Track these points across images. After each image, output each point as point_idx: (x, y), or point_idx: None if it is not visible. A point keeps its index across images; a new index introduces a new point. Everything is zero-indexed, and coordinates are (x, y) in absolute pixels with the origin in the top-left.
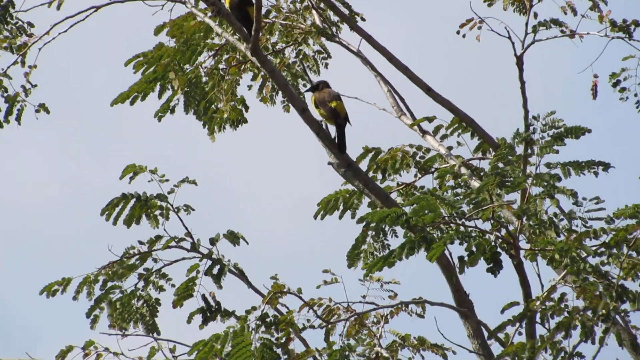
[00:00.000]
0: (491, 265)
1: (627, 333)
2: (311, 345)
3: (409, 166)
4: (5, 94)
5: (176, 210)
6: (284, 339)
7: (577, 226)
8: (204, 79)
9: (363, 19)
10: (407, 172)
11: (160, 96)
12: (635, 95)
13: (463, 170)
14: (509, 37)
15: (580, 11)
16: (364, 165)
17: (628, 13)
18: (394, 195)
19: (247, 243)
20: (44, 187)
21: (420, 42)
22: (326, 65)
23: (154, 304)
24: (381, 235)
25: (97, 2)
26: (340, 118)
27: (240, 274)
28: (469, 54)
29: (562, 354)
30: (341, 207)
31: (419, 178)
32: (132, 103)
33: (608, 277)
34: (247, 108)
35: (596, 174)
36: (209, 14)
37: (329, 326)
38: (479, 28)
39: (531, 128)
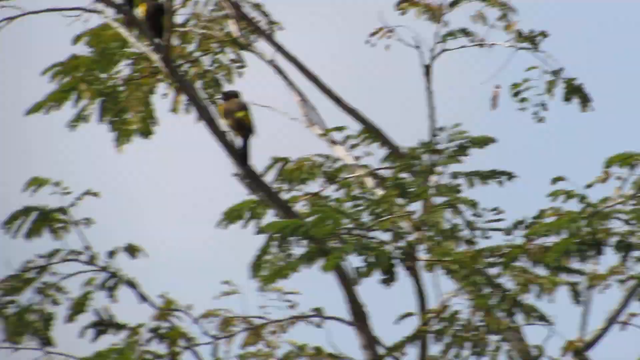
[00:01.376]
0: (385, 276)
1: (520, 346)
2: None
3: (316, 175)
4: None
5: (75, 223)
6: (172, 353)
7: (477, 236)
8: (121, 88)
9: (281, 28)
10: (314, 182)
11: (76, 105)
12: (536, 104)
13: (369, 180)
14: (418, 47)
15: (491, 21)
16: (274, 175)
17: (538, 24)
18: (301, 205)
19: (148, 255)
20: None
21: (333, 52)
22: (240, 74)
23: (48, 317)
24: (285, 245)
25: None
26: (245, 129)
27: (134, 288)
28: (381, 63)
29: None
30: (246, 217)
31: (326, 188)
32: (48, 112)
33: (502, 288)
34: (155, 119)
35: (500, 183)
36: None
37: (223, 339)
38: (389, 37)
39: (437, 138)
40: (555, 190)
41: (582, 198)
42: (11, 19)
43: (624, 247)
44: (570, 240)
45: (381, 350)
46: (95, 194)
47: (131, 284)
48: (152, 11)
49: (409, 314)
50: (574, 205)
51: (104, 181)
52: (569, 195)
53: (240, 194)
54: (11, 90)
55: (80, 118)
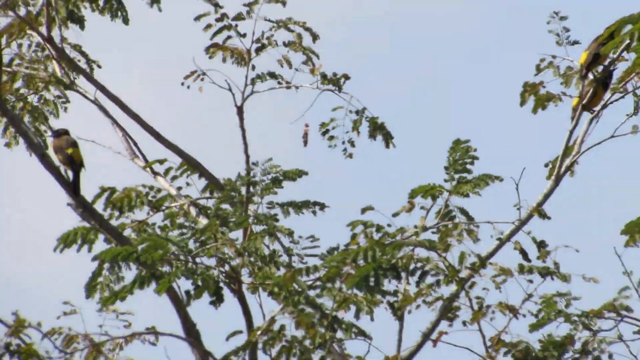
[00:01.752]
0: (213, 298)
1: None
2: None
3: (143, 204)
4: None
5: None
6: None
7: (294, 262)
8: None
9: (99, 66)
10: (140, 210)
11: None
12: (343, 142)
13: (193, 209)
14: (230, 89)
15: (296, 65)
16: (102, 203)
17: (340, 67)
18: (128, 231)
19: None
20: None
21: (154, 91)
22: (66, 109)
23: None
24: (116, 269)
25: None
26: (75, 164)
27: None
28: (199, 102)
29: None
30: (79, 242)
31: (151, 216)
32: None
33: (322, 308)
34: None
35: (315, 213)
36: None
37: (67, 356)
38: (202, 80)
39: (252, 172)
40: (354, 221)
41: (379, 228)
42: None
43: (420, 273)
44: (371, 266)
45: None
46: None
47: None
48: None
49: (238, 332)
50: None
51: None
52: (367, 225)
53: (75, 220)
54: None
55: None
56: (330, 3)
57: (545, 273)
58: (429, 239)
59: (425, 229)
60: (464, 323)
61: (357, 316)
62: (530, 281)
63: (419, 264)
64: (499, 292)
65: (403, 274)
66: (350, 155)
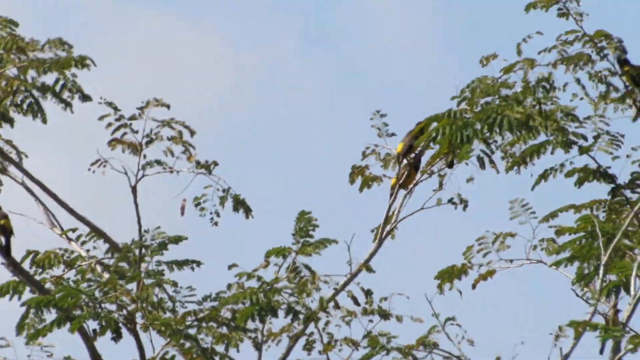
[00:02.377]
0: (114, 335)
1: None
2: None
3: (59, 263)
4: None
5: None
6: None
7: (177, 307)
8: None
9: (26, 156)
10: (57, 268)
11: None
12: (211, 213)
13: (98, 267)
14: (126, 173)
15: (177, 154)
16: (28, 263)
17: (216, 152)
18: (49, 284)
19: None
20: None
21: (69, 175)
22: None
23: None
24: (39, 313)
25: None
26: (6, 232)
27: None
28: (104, 183)
29: None
30: (11, 292)
31: (66, 272)
32: None
33: (199, 342)
34: None
35: (193, 268)
36: None
37: None
38: (105, 166)
39: (144, 238)
40: (240, 273)
41: (249, 275)
42: None
43: (292, 312)
44: (252, 308)
45: None
46: None
47: None
48: None
49: None
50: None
51: None
52: (241, 275)
53: (7, 276)
54: None
55: None
56: (208, 98)
57: (383, 315)
58: (296, 286)
59: (290, 279)
60: (320, 352)
61: (226, 349)
62: (371, 321)
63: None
64: (347, 328)
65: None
66: (216, 223)
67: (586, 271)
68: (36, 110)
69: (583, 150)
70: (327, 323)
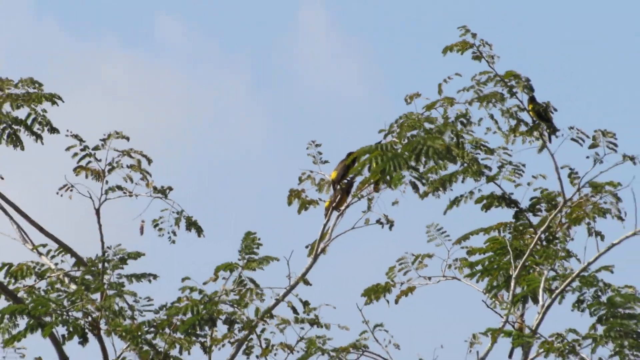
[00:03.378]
0: (81, 339)
1: None
2: None
3: (31, 274)
4: None
5: None
6: None
7: (136, 315)
8: None
9: (2, 178)
10: (30, 279)
11: None
12: (168, 233)
13: (66, 279)
14: (90, 197)
15: (136, 180)
16: (3, 274)
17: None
18: (21, 294)
19: None
20: None
21: (40, 197)
22: None
23: None
24: (13, 319)
25: None
26: None
27: None
28: (72, 205)
29: None
30: None
31: (37, 282)
32: None
33: (155, 347)
34: None
35: (150, 281)
36: None
37: None
38: (71, 190)
39: (106, 253)
40: (184, 287)
41: (200, 291)
42: None
43: (229, 322)
44: (195, 317)
45: None
46: None
47: None
48: None
49: None
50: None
51: None
52: (185, 289)
53: None
54: None
55: None
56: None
57: (313, 323)
58: (234, 299)
59: (227, 292)
60: (257, 357)
61: (180, 352)
62: (303, 328)
63: (227, 316)
64: (282, 335)
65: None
66: (174, 242)
67: (495, 283)
68: (15, 140)
69: (489, 179)
70: (263, 330)
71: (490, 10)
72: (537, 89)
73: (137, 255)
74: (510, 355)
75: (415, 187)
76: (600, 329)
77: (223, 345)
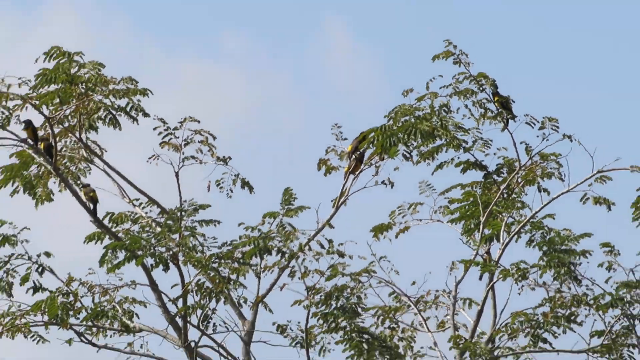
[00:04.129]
0: (164, 267)
1: None
2: None
3: (128, 220)
4: None
5: None
6: None
7: (205, 250)
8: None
9: (106, 151)
10: (126, 223)
11: (12, 185)
12: (227, 190)
13: (153, 223)
14: (172, 164)
15: (204, 151)
16: (107, 220)
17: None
18: (121, 234)
19: None
20: None
21: (136, 164)
22: (89, 173)
23: None
24: (115, 252)
25: None
26: (94, 201)
27: None
28: (158, 170)
29: None
30: (96, 239)
31: (132, 226)
32: None
33: (220, 273)
34: (52, 195)
35: (215, 225)
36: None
37: None
38: (158, 158)
39: (183, 205)
40: (246, 226)
41: (252, 229)
42: None
43: (280, 252)
44: (254, 249)
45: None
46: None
47: None
48: (46, 146)
49: (176, 284)
50: None
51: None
52: (247, 228)
53: (93, 229)
54: None
55: (15, 191)
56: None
57: (340, 254)
58: (283, 236)
59: (278, 230)
60: (299, 279)
61: (237, 277)
62: (332, 258)
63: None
64: (317, 263)
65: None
66: (230, 197)
67: (469, 226)
68: (115, 122)
69: (466, 150)
70: (303, 260)
71: (473, 20)
72: (501, 85)
73: (205, 206)
74: (480, 279)
75: (405, 158)
76: (544, 261)
77: (272, 272)
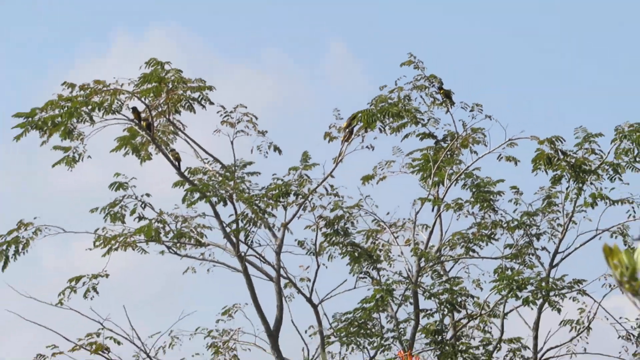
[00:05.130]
0: (224, 204)
1: None
2: None
3: (199, 172)
4: None
5: None
6: None
7: (250, 192)
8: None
9: (186, 126)
10: (198, 174)
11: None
12: (265, 151)
13: (217, 174)
14: (228, 135)
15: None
16: (187, 173)
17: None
18: (196, 182)
19: None
20: None
21: (206, 135)
22: (175, 141)
23: None
24: (192, 195)
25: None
26: (179, 160)
27: None
28: (219, 139)
29: None
30: (179, 186)
31: (203, 176)
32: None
33: (260, 207)
34: (151, 156)
35: (257, 176)
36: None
37: None
38: (219, 132)
39: (236, 162)
40: (275, 177)
41: (278, 179)
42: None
43: (295, 194)
44: (279, 192)
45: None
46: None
47: None
48: (147, 124)
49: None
50: None
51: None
52: (279, 179)
53: (178, 179)
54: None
55: (126, 154)
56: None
57: (336, 195)
58: (299, 182)
59: (290, 181)
60: (309, 211)
61: (271, 209)
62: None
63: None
64: (321, 201)
65: None
66: (266, 156)
67: (424, 176)
68: (191, 108)
69: (423, 125)
70: (311, 199)
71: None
72: (447, 79)
73: (249, 163)
74: (432, 210)
75: (381, 131)
76: (473, 198)
77: (292, 207)
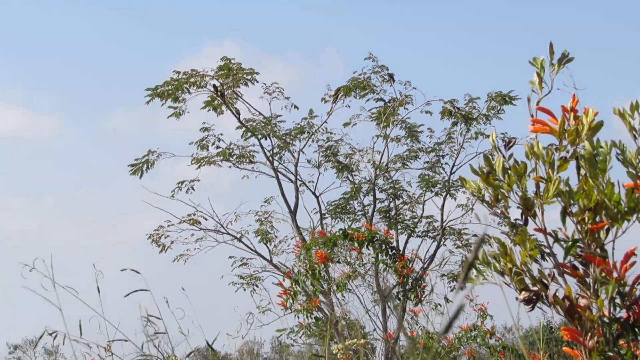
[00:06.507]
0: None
1: None
2: None
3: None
4: None
5: None
6: None
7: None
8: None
9: (242, 94)
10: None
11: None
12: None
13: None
14: (269, 104)
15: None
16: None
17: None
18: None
19: None
20: None
21: (257, 101)
22: (236, 103)
23: None
24: (246, 133)
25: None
26: (239, 113)
27: None
28: (262, 105)
29: None
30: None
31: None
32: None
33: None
34: (223, 111)
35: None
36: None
37: None
38: (261, 98)
39: (271, 120)
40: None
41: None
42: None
43: (301, 131)
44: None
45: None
46: None
47: None
48: (220, 93)
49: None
50: None
51: None
52: (298, 125)
53: (238, 124)
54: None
55: (208, 109)
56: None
57: (330, 133)
58: (306, 126)
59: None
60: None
61: (293, 141)
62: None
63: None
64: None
65: None
66: (297, 107)
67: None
68: (246, 84)
69: (377, 94)
70: (313, 135)
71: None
72: (391, 65)
73: (279, 115)
74: (383, 141)
75: (354, 97)
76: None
77: (304, 140)
